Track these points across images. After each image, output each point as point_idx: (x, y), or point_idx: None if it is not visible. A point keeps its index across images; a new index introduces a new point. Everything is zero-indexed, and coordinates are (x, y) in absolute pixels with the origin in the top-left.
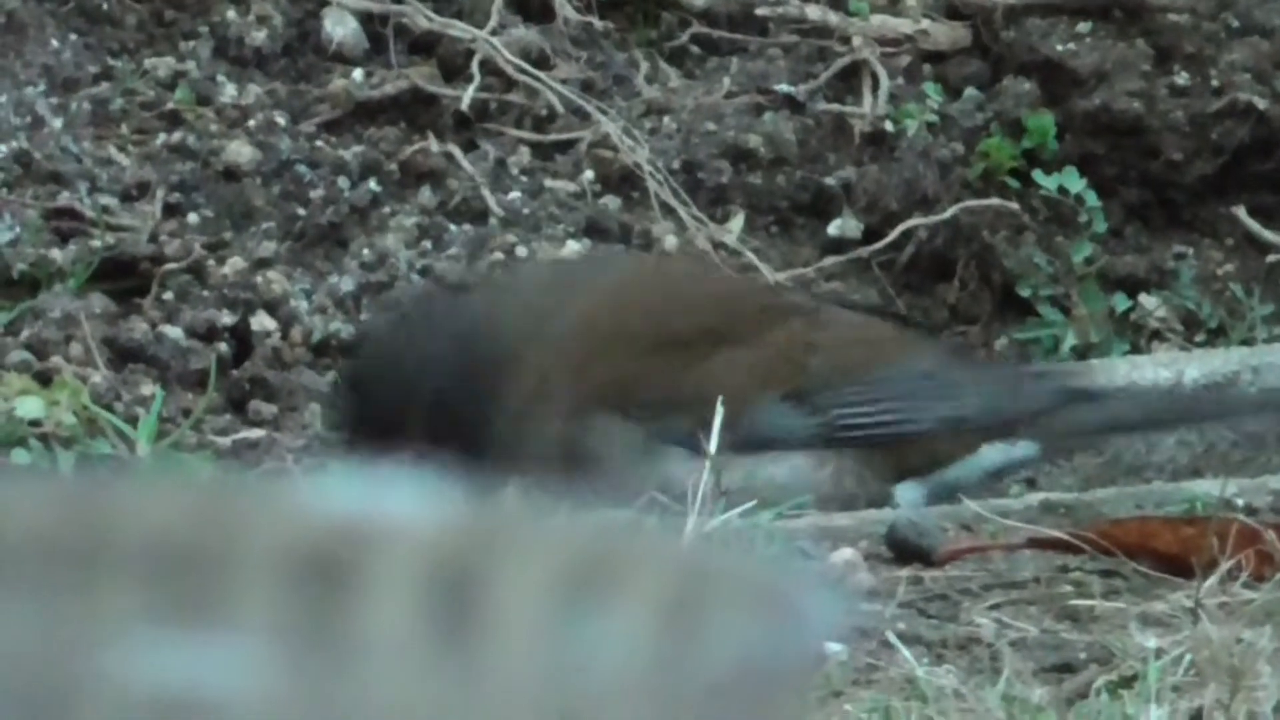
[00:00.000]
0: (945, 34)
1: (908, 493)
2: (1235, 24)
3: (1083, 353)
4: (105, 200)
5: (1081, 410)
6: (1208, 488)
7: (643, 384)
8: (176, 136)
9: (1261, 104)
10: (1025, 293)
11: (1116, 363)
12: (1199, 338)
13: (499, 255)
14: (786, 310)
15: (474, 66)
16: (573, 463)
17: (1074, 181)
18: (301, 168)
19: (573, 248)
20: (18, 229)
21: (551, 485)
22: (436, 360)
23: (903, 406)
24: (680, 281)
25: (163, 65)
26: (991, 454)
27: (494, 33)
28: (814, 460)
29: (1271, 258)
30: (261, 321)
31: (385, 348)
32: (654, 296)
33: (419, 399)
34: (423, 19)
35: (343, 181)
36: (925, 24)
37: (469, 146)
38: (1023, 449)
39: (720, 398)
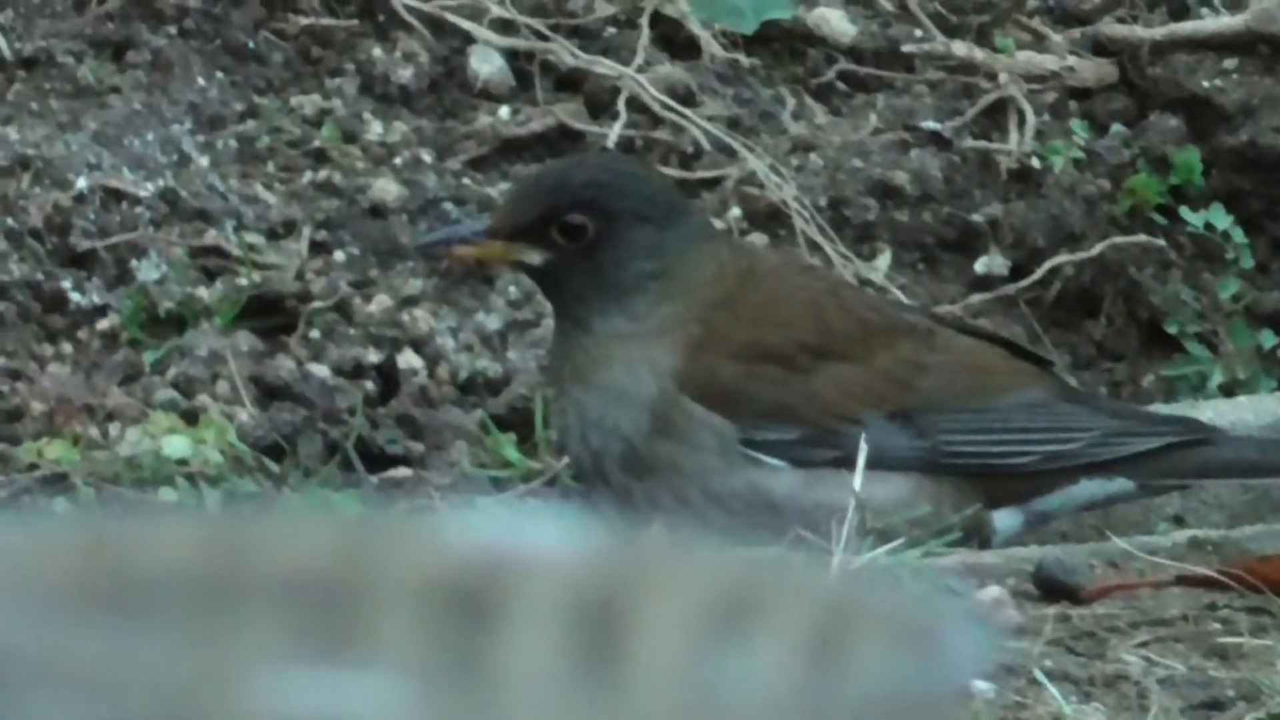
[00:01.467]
0: (1091, 70)
1: (1006, 520)
2: None
3: (1229, 389)
4: (252, 238)
5: (1183, 455)
6: None
7: (749, 387)
8: (323, 174)
9: None
10: (1172, 329)
11: (1264, 399)
12: None
13: None
14: (900, 329)
15: (620, 103)
16: (663, 436)
17: (1220, 217)
18: (448, 205)
19: None
20: (165, 267)
21: (631, 433)
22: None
23: (1011, 438)
24: (820, 290)
25: (309, 103)
26: (1089, 487)
27: (640, 69)
28: (915, 483)
29: None
30: (408, 359)
31: (600, 169)
32: (790, 299)
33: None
34: (569, 56)
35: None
36: (1071, 60)
37: None
38: (1119, 484)
39: (863, 436)
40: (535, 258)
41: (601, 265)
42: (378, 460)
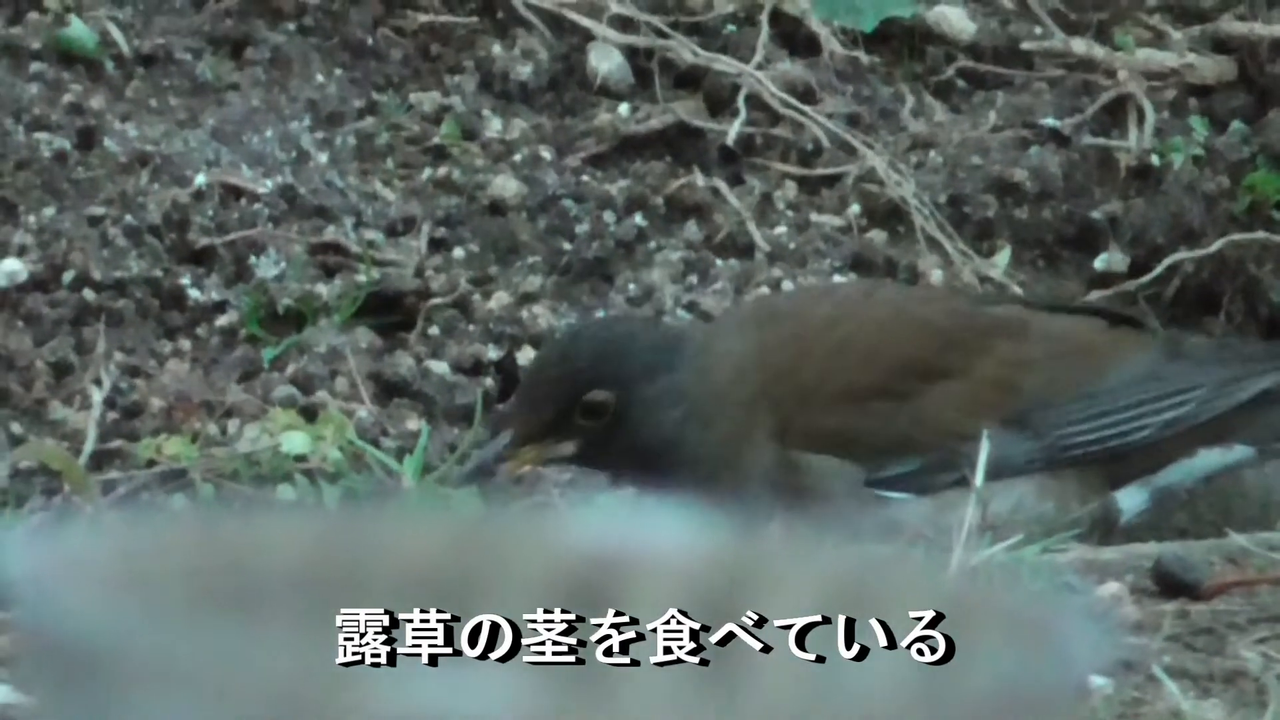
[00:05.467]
0: (1211, 67)
1: (1131, 499)
2: None
3: None
4: (371, 235)
5: None
6: None
7: (861, 427)
8: (442, 171)
9: None
10: None
11: None
12: None
13: (764, 290)
14: (993, 330)
15: (740, 101)
16: (789, 497)
17: None
18: (567, 202)
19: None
20: (284, 264)
21: (764, 515)
22: (622, 369)
23: (1125, 417)
24: (887, 316)
25: (428, 100)
26: (1208, 458)
27: (760, 67)
28: (1037, 484)
29: None
30: (527, 356)
31: (576, 344)
32: (862, 334)
33: (590, 402)
34: (688, 53)
35: (608, 215)
36: (1191, 57)
37: (735, 181)
38: (1239, 452)
39: (985, 434)
40: (569, 449)
41: (633, 430)
42: None
